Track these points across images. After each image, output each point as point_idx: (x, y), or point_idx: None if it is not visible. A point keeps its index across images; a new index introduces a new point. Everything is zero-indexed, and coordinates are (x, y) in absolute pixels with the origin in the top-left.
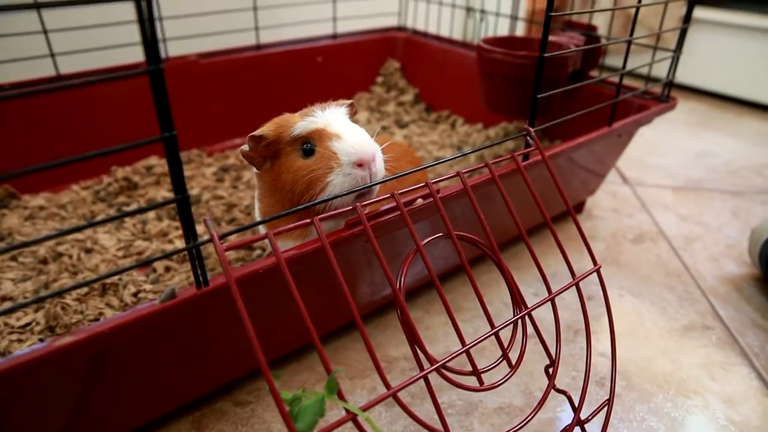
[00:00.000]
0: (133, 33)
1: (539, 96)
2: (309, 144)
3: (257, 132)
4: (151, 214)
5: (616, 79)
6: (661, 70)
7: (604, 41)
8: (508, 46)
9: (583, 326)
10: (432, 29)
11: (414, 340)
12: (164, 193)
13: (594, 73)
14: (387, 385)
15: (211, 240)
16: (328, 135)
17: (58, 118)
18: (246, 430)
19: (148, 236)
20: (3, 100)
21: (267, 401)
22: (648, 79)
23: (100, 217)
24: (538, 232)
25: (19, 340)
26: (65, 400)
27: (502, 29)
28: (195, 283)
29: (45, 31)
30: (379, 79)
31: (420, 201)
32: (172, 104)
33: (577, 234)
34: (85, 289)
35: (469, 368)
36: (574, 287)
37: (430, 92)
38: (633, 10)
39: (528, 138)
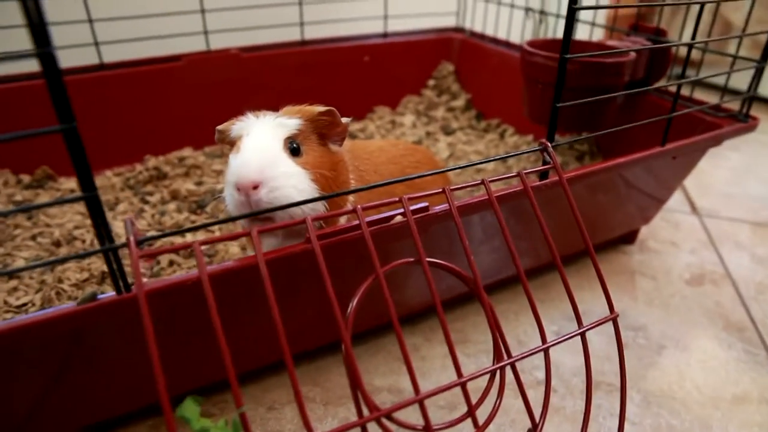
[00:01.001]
0: (174, 24)
1: (559, 105)
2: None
3: (221, 126)
4: (171, 206)
5: (685, 91)
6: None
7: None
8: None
9: (607, 379)
10: (490, 31)
11: (354, 383)
12: (189, 185)
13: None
14: (309, 430)
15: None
16: (236, 147)
17: (95, 104)
18: None
19: (163, 228)
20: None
21: (233, 414)
22: (725, 91)
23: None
24: (577, 261)
25: None
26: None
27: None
28: (114, 288)
29: (90, 20)
30: (431, 82)
31: (399, 218)
32: (213, 97)
33: (618, 268)
34: (85, 275)
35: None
36: (610, 324)
37: (483, 98)
38: (734, 18)
39: (545, 154)
